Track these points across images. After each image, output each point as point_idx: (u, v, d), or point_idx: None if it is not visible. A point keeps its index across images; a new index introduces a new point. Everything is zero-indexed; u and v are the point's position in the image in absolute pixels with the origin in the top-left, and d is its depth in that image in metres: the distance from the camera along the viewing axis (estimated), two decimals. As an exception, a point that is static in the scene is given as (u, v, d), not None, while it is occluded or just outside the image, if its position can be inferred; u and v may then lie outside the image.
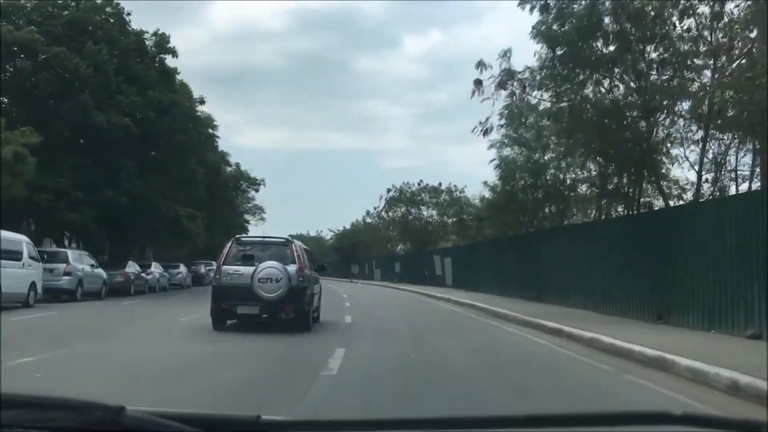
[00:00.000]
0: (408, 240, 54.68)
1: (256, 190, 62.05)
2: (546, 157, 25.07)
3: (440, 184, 51.48)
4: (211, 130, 46.06)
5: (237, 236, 15.25)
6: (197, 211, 44.91)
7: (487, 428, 1.34)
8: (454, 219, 42.39)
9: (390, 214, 53.02)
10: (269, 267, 13.08)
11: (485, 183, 29.35)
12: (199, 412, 1.32)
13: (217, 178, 54.31)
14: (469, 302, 25.38)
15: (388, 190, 53.02)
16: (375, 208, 52.81)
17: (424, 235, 51.85)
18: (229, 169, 58.86)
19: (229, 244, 14.18)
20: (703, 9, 17.68)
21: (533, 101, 20.21)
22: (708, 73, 18.44)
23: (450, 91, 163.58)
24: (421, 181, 52.72)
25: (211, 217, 55.93)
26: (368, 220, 71.40)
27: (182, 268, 40.01)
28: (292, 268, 13.36)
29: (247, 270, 13.21)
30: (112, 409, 1.22)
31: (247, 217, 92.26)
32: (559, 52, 17.47)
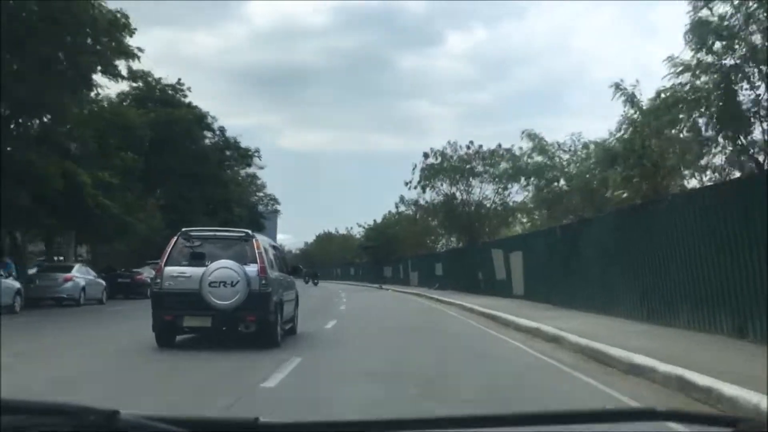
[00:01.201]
0: (455, 231, 39.30)
1: (248, 164, 47.16)
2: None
3: (499, 146, 36.27)
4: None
5: (184, 229, 11.85)
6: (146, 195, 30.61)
7: (479, 427, 1.35)
8: (529, 186, 26.84)
9: (428, 193, 37.60)
10: (223, 267, 10.68)
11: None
12: (196, 415, 1.33)
13: (188, 145, 39.96)
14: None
15: (425, 156, 37.91)
16: (408, 186, 37.94)
17: (477, 223, 36.46)
18: (208, 137, 44.35)
19: (173, 239, 11.52)
20: None
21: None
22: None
23: (495, 90, 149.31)
24: (472, 143, 36.97)
25: (189, 204, 41.50)
26: (401, 208, 56.48)
27: (77, 272, 25.22)
28: (252, 268, 10.89)
29: (195, 272, 10.81)
30: (106, 414, 1.21)
31: (258, 209, 79.04)
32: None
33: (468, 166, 34.96)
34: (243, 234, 11.80)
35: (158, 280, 11.29)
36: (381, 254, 67.44)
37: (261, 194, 75.63)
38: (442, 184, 35.61)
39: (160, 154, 39.33)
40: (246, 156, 45.39)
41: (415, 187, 36.17)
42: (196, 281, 10.71)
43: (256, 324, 10.88)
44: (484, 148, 35.28)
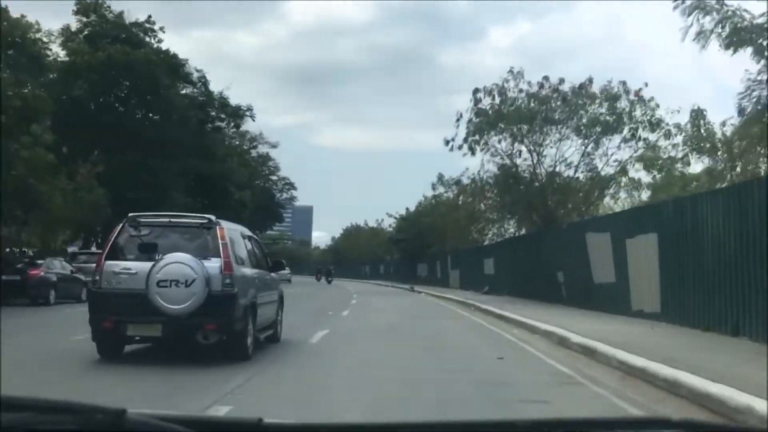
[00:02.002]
0: (517, 211, 27.36)
1: (237, 126, 36.07)
2: None
3: (590, 81, 24.12)
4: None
5: (132, 214, 9.68)
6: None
7: None
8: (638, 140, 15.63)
9: (479, 158, 25.60)
10: (175, 263, 8.74)
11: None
12: (202, 415, 1.45)
13: (154, 98, 29.28)
14: None
15: (475, 94, 23.90)
16: (450, 145, 25.86)
17: (555, 198, 24.65)
18: (184, 88, 33.35)
19: (118, 228, 9.58)
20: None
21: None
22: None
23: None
24: (546, 78, 23.75)
25: (156, 177, 31.00)
26: (440, 190, 45.28)
27: None
28: (213, 264, 8.89)
29: (143, 268, 8.85)
30: (114, 412, 1.21)
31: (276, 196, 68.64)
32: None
33: (542, 109, 23.19)
34: (204, 221, 9.43)
35: (97, 278, 9.19)
36: (414, 249, 56.31)
37: (274, 177, 65.18)
38: (500, 141, 24.33)
39: (110, 108, 28.74)
40: (236, 115, 34.45)
41: (460, 147, 24.96)
42: (142, 279, 8.70)
43: (219, 333, 8.88)
44: (565, 86, 23.51)
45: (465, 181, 43.52)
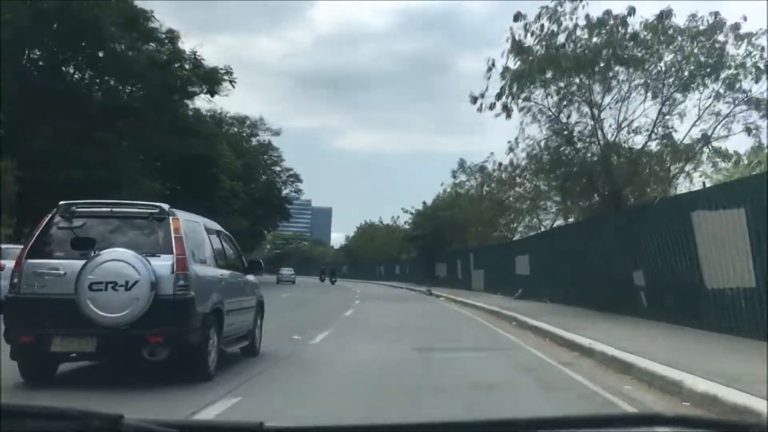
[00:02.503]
0: (570, 193, 20.30)
1: (212, 92, 29.67)
2: None
3: (668, 14, 17.49)
4: None
5: (63, 202, 8.03)
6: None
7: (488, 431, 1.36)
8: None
9: (517, 120, 18.97)
10: (112, 260, 7.36)
11: None
12: (201, 420, 1.37)
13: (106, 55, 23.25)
14: None
15: (516, 20, 16.68)
16: (479, 104, 19.57)
17: (622, 177, 17.81)
18: (146, 45, 26.94)
19: (46, 218, 7.96)
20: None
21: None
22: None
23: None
24: (608, 13, 16.22)
25: (105, 152, 25.07)
26: (461, 178, 38.99)
27: None
28: (162, 262, 7.49)
29: (74, 267, 7.36)
30: (111, 418, 1.21)
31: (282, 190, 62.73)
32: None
33: (609, 48, 16.46)
34: (155, 210, 7.89)
35: (15, 281, 7.59)
36: (432, 246, 49.99)
37: (278, 168, 59.16)
38: (549, 96, 17.74)
39: (50, 69, 22.69)
40: (212, 79, 28.16)
41: (491, 107, 18.51)
42: (72, 282, 7.19)
43: (169, 347, 7.39)
44: (635, 20, 16.89)
45: (490, 167, 37.33)
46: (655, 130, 17.86)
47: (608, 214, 18.09)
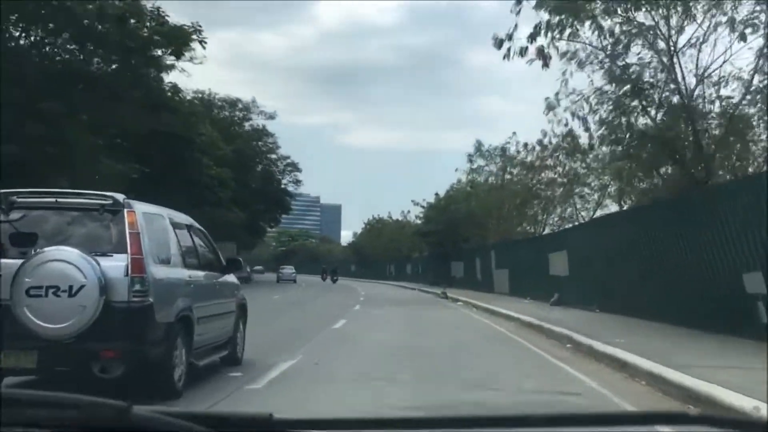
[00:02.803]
0: (642, 163, 15.24)
1: (177, 55, 24.78)
2: None
3: None
4: None
5: (1, 191, 7.15)
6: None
7: (501, 427, 1.32)
8: None
9: (556, 69, 14.21)
10: (53, 260, 6.42)
11: None
12: (210, 410, 1.47)
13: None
14: None
15: None
16: (507, 48, 15.07)
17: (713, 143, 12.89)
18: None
19: None
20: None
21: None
22: None
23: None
24: None
25: (53, 128, 20.56)
26: (478, 162, 34.14)
27: None
28: (114, 262, 6.54)
29: (10, 268, 6.42)
30: (119, 408, 1.21)
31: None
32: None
33: None
34: (107, 201, 6.89)
35: None
36: (446, 243, 45.14)
37: (273, 156, 54.48)
38: (598, 35, 12.98)
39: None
40: (176, 37, 23.29)
41: (522, 53, 13.71)
42: (7, 285, 6.31)
43: (125, 362, 6.41)
44: None
45: (512, 149, 32.47)
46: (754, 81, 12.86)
47: (693, 192, 13.13)
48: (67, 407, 1.24)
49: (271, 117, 50.43)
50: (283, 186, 58.19)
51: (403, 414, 1.30)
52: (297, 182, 59.85)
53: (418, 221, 53.04)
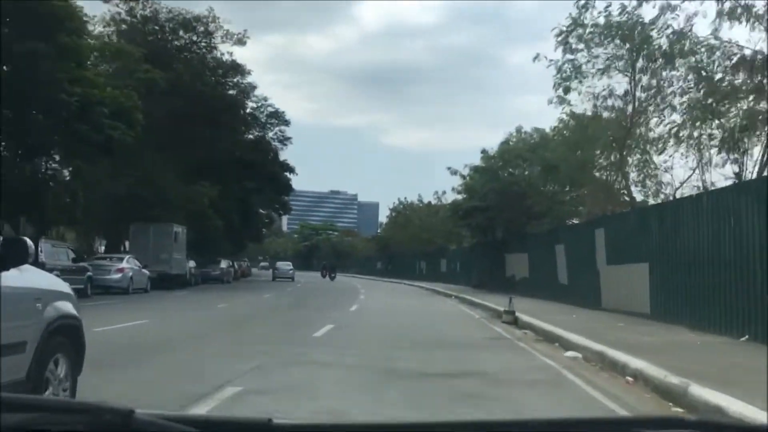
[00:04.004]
0: None
1: None
2: None
3: None
4: None
5: None
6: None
7: None
8: None
9: None
10: None
11: None
12: (211, 414, 1.47)
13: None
14: None
15: None
16: None
17: None
18: None
19: None
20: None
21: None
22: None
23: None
24: None
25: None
26: (572, 86, 18.46)
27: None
28: None
29: None
30: (122, 412, 1.21)
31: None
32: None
33: None
34: None
35: None
36: (499, 225, 29.47)
37: (251, 105, 39.35)
38: None
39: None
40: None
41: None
42: None
43: None
44: None
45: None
46: None
47: None
48: (71, 412, 1.24)
49: (241, 42, 35.12)
50: (275, 148, 43.13)
51: (404, 420, 1.34)
52: (284, 140, 44.63)
53: (458, 195, 37.08)
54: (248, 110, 40.82)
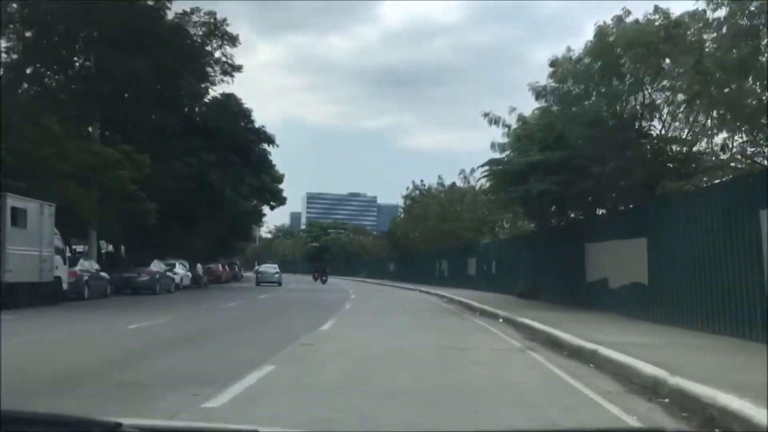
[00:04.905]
0: None
1: None
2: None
3: None
4: None
5: None
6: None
7: None
8: None
9: None
10: None
11: None
12: (198, 424, 1.43)
13: None
14: None
15: None
16: None
17: None
18: None
19: None
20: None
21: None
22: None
23: None
24: None
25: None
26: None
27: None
28: None
29: None
30: (108, 425, 1.19)
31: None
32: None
33: None
34: None
35: None
36: (574, 194, 17.05)
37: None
38: None
39: None
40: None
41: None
42: None
43: None
44: None
45: None
46: None
47: None
48: (59, 425, 1.21)
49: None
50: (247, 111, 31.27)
51: (390, 429, 0.54)
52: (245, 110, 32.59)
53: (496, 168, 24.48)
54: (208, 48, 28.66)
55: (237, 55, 31.42)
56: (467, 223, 37.29)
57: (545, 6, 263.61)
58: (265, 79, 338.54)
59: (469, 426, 4.93)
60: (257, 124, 37.25)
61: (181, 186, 30.26)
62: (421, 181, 51.13)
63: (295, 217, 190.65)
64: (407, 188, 49.23)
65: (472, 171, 40.70)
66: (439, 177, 47.30)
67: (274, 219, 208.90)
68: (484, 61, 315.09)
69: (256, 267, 56.81)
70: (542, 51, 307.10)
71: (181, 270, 33.19)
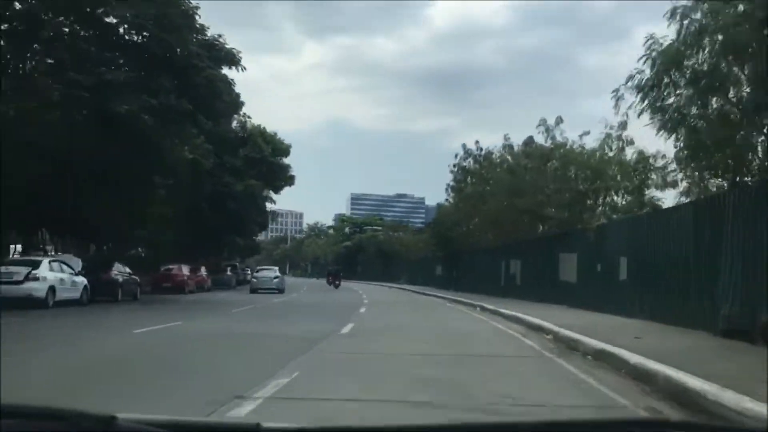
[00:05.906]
0: None
1: None
2: None
3: None
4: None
5: None
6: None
7: None
8: None
9: None
10: None
11: None
12: (198, 419, 1.28)
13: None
14: None
15: None
16: None
17: None
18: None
19: None
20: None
21: None
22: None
23: None
24: None
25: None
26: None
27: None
28: None
29: None
30: (103, 419, 1.20)
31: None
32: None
33: None
34: None
35: None
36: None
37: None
38: None
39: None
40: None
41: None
42: None
43: None
44: None
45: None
46: None
47: None
48: (53, 418, 1.22)
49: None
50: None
51: (394, 423, 1.22)
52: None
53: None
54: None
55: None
56: (558, 197, 23.09)
57: (595, 7, 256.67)
58: (312, 80, 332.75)
59: None
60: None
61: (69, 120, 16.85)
62: (476, 142, 36.92)
63: (339, 218, 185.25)
64: (456, 155, 34.92)
65: (561, 121, 26.58)
66: (506, 137, 32.90)
67: (311, 218, 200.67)
68: (532, 63, 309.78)
69: (256, 270, 44.50)
70: (591, 54, 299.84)
71: (53, 272, 19.63)
